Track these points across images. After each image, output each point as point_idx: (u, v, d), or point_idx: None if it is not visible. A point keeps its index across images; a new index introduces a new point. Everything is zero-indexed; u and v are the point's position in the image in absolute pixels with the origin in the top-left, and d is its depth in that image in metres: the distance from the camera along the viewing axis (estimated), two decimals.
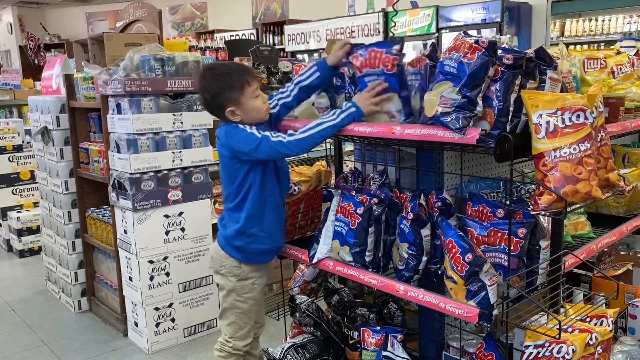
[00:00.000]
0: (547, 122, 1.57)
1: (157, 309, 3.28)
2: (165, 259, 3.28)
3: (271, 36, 9.65)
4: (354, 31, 7.91)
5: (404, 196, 2.08)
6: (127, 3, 3.96)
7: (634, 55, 2.81)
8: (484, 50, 1.59)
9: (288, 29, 8.87)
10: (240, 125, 2.12)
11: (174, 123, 3.22)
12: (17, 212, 5.41)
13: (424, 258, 2.00)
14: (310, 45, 8.51)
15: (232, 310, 2.33)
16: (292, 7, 10.03)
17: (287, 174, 2.35)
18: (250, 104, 2.13)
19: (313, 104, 2.35)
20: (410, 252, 2.02)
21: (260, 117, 2.19)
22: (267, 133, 2.09)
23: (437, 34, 7.08)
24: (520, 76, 1.67)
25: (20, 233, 5.30)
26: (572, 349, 1.70)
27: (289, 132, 2.08)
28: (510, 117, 1.66)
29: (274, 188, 2.26)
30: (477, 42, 1.60)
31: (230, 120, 2.14)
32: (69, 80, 3.72)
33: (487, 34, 6.58)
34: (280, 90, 2.32)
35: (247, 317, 2.35)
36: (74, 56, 4.26)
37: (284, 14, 10.08)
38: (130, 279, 3.31)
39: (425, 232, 1.99)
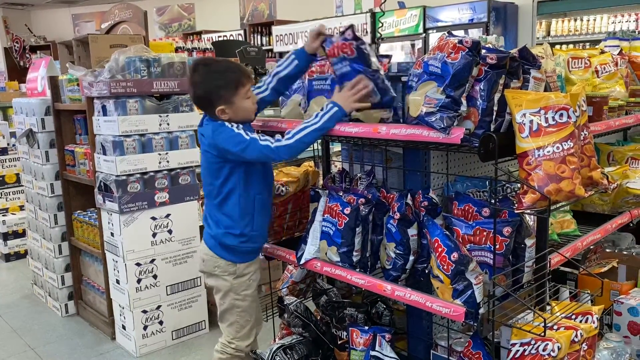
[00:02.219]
0: (531, 121, 1.58)
1: (144, 311, 3.26)
2: (152, 261, 3.26)
3: (259, 37, 9.63)
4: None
5: (391, 196, 2.09)
6: (113, 4, 3.93)
7: (618, 54, 2.84)
8: (467, 50, 1.59)
9: (276, 29, 8.86)
10: (227, 124, 2.10)
11: (160, 124, 3.20)
12: (3, 215, 5.35)
13: (411, 257, 2.01)
14: (298, 45, 8.48)
15: (232, 310, 2.30)
16: (280, 7, 10.02)
17: (272, 173, 2.36)
18: (241, 104, 2.11)
19: (299, 105, 2.34)
20: (398, 251, 2.02)
21: (248, 118, 2.19)
22: (255, 135, 2.07)
23: (424, 34, 7.11)
24: (504, 76, 1.68)
25: (5, 237, 5.24)
26: (558, 346, 1.71)
27: (276, 137, 2.06)
28: (494, 117, 1.67)
29: (261, 186, 2.24)
30: (460, 42, 1.60)
31: (218, 118, 2.12)
32: (54, 82, 3.69)
33: (474, 34, 6.61)
34: (257, 85, 2.28)
35: (247, 314, 2.33)
36: (59, 58, 4.22)
37: (271, 15, 10.06)
38: (118, 281, 3.29)
39: (412, 231, 1.99)
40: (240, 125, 2.11)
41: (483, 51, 1.67)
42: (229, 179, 2.16)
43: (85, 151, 3.46)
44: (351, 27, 1.97)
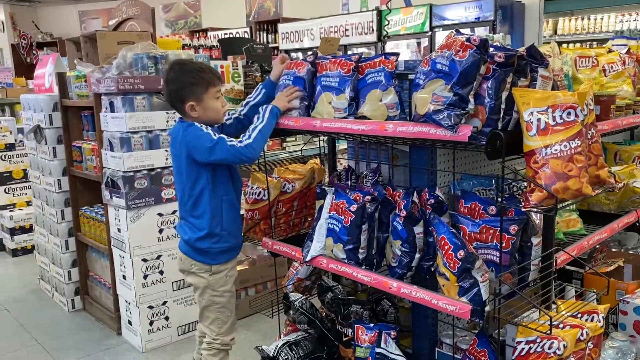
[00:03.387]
0: (538, 120, 1.59)
1: (151, 307, 3.28)
2: (159, 257, 3.28)
3: (265, 34, 9.63)
4: (347, 29, 7.91)
5: (397, 194, 2.09)
6: (120, 1, 3.95)
7: (625, 53, 2.82)
8: (475, 48, 1.59)
9: (282, 27, 8.86)
10: (197, 124, 2.21)
11: (167, 121, 3.21)
12: (10, 210, 5.39)
13: (417, 255, 2.01)
14: (304, 43, 8.50)
15: (212, 307, 2.38)
16: (286, 5, 10.02)
17: (239, 176, 2.43)
18: (210, 103, 2.24)
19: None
20: (403, 249, 2.02)
21: (217, 119, 2.30)
22: (222, 136, 2.18)
23: (430, 33, 7.09)
24: (511, 74, 1.68)
25: (13, 232, 5.27)
26: (564, 345, 1.71)
27: (239, 139, 2.20)
28: (501, 115, 1.67)
29: (228, 187, 2.33)
30: (468, 40, 1.60)
31: (188, 115, 2.24)
32: (61, 79, 3.71)
33: (481, 32, 6.59)
34: (235, 109, 2.49)
35: (227, 310, 2.40)
36: (67, 54, 4.24)
37: (277, 12, 10.07)
38: (124, 277, 3.31)
39: (418, 229, 2.00)
40: (209, 127, 2.22)
41: (491, 49, 1.66)
42: (199, 181, 2.25)
43: (93, 147, 3.48)
44: (314, 53, 2.30)
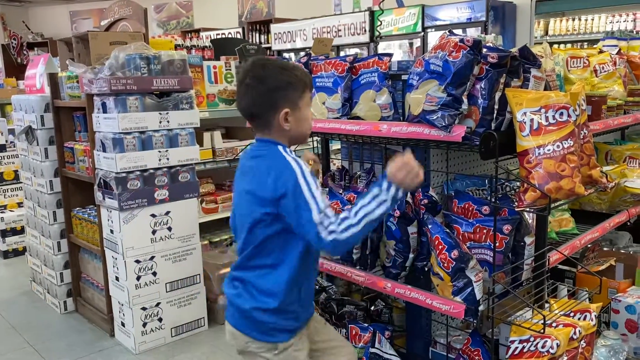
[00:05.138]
0: (531, 120, 1.60)
1: (144, 308, 3.26)
2: (152, 258, 3.26)
3: (257, 35, 9.62)
4: (340, 30, 7.92)
5: None
6: (112, 1, 3.93)
7: (616, 54, 2.85)
8: (468, 48, 1.60)
9: (274, 27, 8.85)
10: (297, 170, 1.61)
11: (160, 122, 3.20)
12: (1, 212, 5.34)
13: (411, 255, 2.02)
14: (296, 44, 8.50)
15: None
16: (278, 5, 10.01)
17: None
18: (305, 111, 1.73)
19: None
20: (397, 249, 2.03)
21: (306, 134, 1.79)
22: (328, 212, 1.58)
23: (422, 33, 7.11)
24: (504, 74, 1.69)
25: (4, 234, 5.23)
26: (557, 343, 1.73)
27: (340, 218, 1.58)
28: (495, 115, 1.68)
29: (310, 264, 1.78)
30: (462, 40, 1.61)
31: (275, 128, 1.70)
32: (53, 79, 3.68)
33: (473, 33, 6.62)
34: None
35: None
36: (58, 55, 4.21)
37: (270, 13, 10.06)
38: (117, 278, 3.29)
39: (412, 229, 2.01)
40: (317, 184, 1.63)
41: (484, 50, 1.68)
42: (281, 235, 1.66)
43: (85, 148, 3.46)
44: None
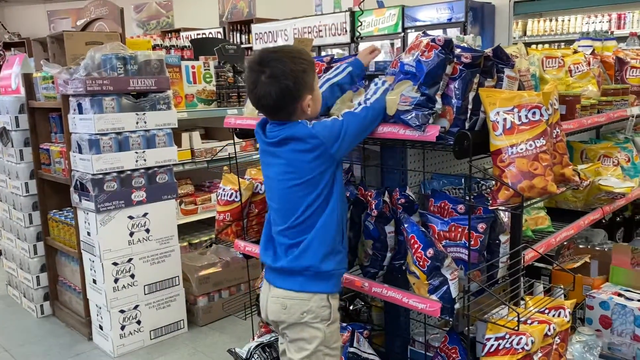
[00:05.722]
0: (504, 119, 1.61)
1: (122, 311, 3.23)
2: (129, 260, 3.23)
3: (238, 35, 9.59)
4: (321, 30, 7.93)
5: (369, 194, 2.10)
6: (88, 1, 3.88)
7: (590, 54, 2.89)
8: (440, 48, 1.62)
9: (255, 27, 8.83)
10: (307, 124, 1.75)
11: (137, 123, 3.17)
12: None
13: (388, 254, 2.03)
14: (278, 44, 8.49)
15: None
16: (259, 6, 9.98)
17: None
18: (318, 90, 1.83)
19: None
20: (375, 248, 2.04)
21: (319, 110, 1.86)
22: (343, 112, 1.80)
23: (403, 34, 7.15)
24: (478, 74, 1.71)
25: None
26: (531, 340, 1.75)
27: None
28: (469, 115, 1.69)
29: (344, 195, 1.93)
30: (433, 40, 1.63)
31: (296, 116, 1.76)
32: (28, 80, 3.63)
33: (452, 33, 6.68)
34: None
35: None
36: (34, 55, 4.15)
37: (251, 13, 10.03)
38: (95, 281, 3.25)
39: (389, 228, 2.01)
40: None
41: (458, 50, 1.69)
42: (327, 185, 1.78)
43: (61, 150, 3.41)
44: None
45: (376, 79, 1.85)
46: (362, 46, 7.50)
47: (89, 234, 3.21)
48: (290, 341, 1.88)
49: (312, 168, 1.75)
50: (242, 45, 8.86)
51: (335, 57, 2.32)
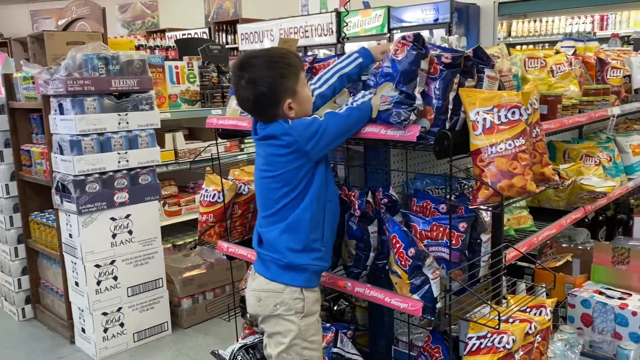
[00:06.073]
0: (484, 119, 1.62)
1: (105, 314, 3.19)
2: (112, 262, 3.20)
3: (224, 35, 9.55)
4: (307, 31, 7.92)
5: (353, 194, 2.10)
6: (70, 1, 3.84)
7: (572, 55, 2.92)
8: (411, 44, 1.64)
9: (241, 27, 8.80)
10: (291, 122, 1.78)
11: (119, 123, 3.14)
12: None
13: (372, 254, 2.03)
14: (264, 44, 8.47)
15: None
16: (245, 6, 9.96)
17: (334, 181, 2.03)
18: (305, 91, 1.81)
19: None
20: (359, 248, 2.04)
21: (309, 110, 1.86)
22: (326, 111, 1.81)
23: (389, 35, 7.17)
24: (458, 75, 1.71)
25: None
26: (513, 339, 1.75)
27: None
28: (449, 115, 1.70)
29: (334, 190, 1.92)
30: (404, 38, 1.65)
31: (285, 116, 1.78)
32: (8, 80, 3.58)
33: (438, 34, 6.71)
34: (310, 82, 1.99)
35: None
36: (14, 55, 4.10)
37: (236, 13, 10.00)
38: (77, 284, 3.22)
39: (372, 228, 2.01)
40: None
41: (438, 50, 1.69)
42: (304, 178, 1.80)
43: (42, 151, 3.37)
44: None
45: (364, 92, 1.84)
46: (348, 47, 7.55)
47: (70, 235, 3.17)
48: (268, 336, 1.91)
49: (285, 163, 1.79)
50: (228, 46, 8.84)
51: (319, 57, 2.31)
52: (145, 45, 4.89)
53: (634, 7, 6.34)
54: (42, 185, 3.49)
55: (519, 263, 2.54)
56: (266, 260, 1.89)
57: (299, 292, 1.84)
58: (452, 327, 2.02)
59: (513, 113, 1.63)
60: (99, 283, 3.15)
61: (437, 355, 2.00)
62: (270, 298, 1.85)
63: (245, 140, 4.15)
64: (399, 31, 7.08)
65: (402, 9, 7.09)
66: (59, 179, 3.15)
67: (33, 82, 3.35)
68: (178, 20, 10.60)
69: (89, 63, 3.05)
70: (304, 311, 1.84)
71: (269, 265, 1.88)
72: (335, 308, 2.52)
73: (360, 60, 1.97)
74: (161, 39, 6.13)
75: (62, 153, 3.09)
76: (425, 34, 6.64)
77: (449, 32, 6.56)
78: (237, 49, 8.83)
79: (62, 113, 3.09)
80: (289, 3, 8.79)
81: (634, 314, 2.19)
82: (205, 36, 9.48)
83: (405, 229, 1.81)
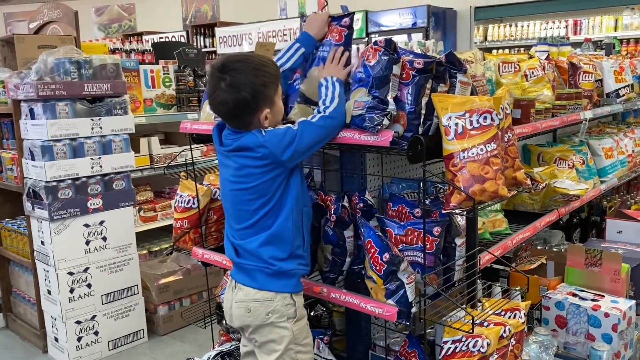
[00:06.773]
0: (456, 124, 1.62)
1: (78, 322, 3.13)
2: (86, 270, 3.14)
3: (202, 38, 9.49)
4: (285, 34, 7.91)
5: (329, 198, 2.09)
6: (42, 4, 3.77)
7: (545, 59, 2.95)
8: (383, 49, 1.65)
9: (219, 31, 8.76)
10: (263, 132, 1.75)
11: (92, 128, 3.09)
12: None
13: (348, 259, 2.02)
14: (243, 47, 8.44)
15: None
16: (223, 9, 9.91)
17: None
18: (279, 103, 1.80)
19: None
20: (335, 253, 2.03)
21: (280, 121, 1.86)
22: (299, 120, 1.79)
23: (367, 39, 7.20)
24: (431, 80, 1.72)
25: None
26: (487, 342, 1.76)
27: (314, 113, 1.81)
28: (422, 120, 1.70)
29: (308, 196, 1.94)
30: (375, 43, 1.67)
31: (258, 125, 1.75)
32: None
33: (415, 38, 6.75)
34: None
35: None
36: None
37: (214, 16, 9.95)
38: (49, 292, 3.15)
39: (348, 233, 2.01)
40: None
41: (410, 56, 1.70)
42: (279, 188, 1.78)
43: (13, 156, 3.30)
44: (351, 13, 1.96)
45: (321, 80, 1.82)
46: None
47: (42, 243, 3.11)
48: (259, 346, 1.87)
49: (260, 175, 1.76)
50: (206, 49, 8.79)
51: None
52: (122, 48, 4.84)
53: (607, 13, 6.47)
54: (13, 191, 3.42)
55: (495, 266, 2.55)
56: (251, 270, 1.84)
57: (289, 298, 1.83)
58: (428, 331, 2.02)
59: (485, 118, 1.64)
60: (72, 291, 3.09)
61: (413, 359, 2.00)
62: (262, 307, 1.81)
63: None
64: (377, 35, 7.11)
65: (380, 13, 7.13)
66: (30, 185, 3.08)
67: (3, 87, 3.29)
68: (155, 24, 10.50)
69: (60, 67, 3.00)
70: (296, 315, 1.84)
71: (254, 275, 1.83)
72: (312, 314, 2.50)
73: (302, 50, 1.97)
74: (138, 43, 6.06)
75: (33, 159, 3.03)
76: (403, 38, 6.69)
77: (426, 37, 6.61)
78: (215, 52, 8.78)
79: (33, 118, 3.03)
80: (267, 7, 8.78)
81: (606, 315, 2.22)
82: (183, 39, 9.41)
83: (380, 234, 1.81)
